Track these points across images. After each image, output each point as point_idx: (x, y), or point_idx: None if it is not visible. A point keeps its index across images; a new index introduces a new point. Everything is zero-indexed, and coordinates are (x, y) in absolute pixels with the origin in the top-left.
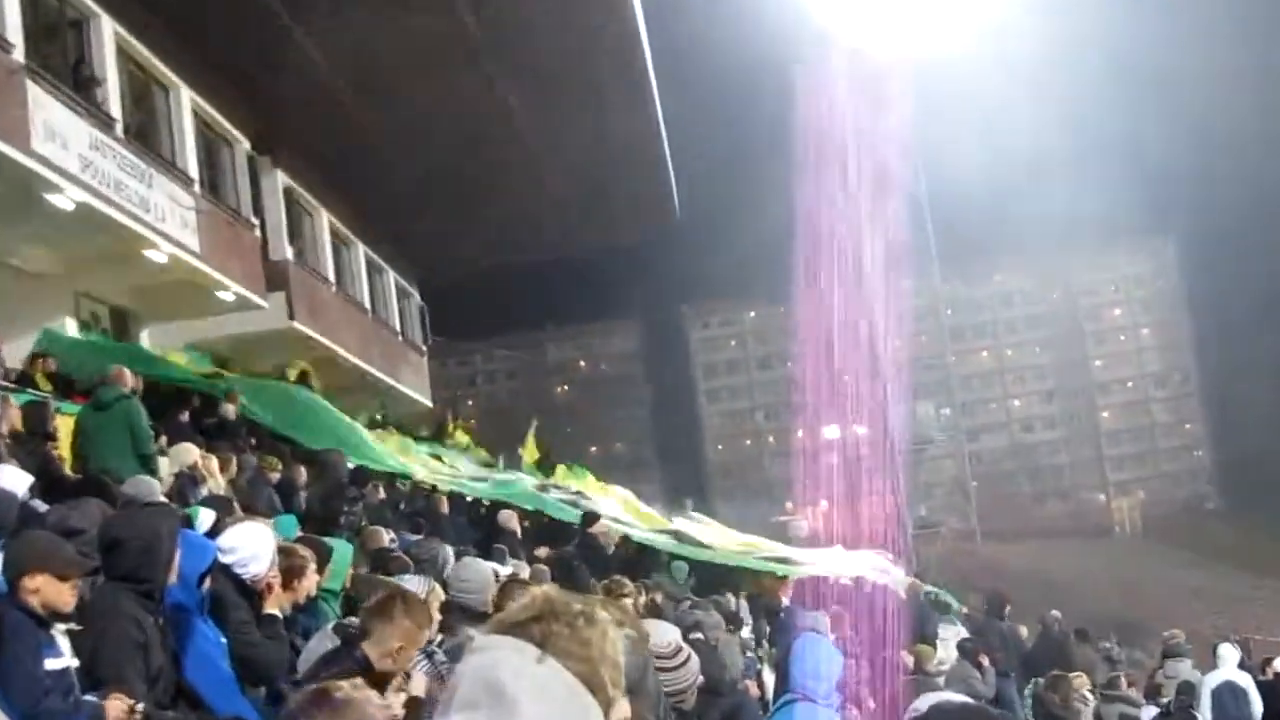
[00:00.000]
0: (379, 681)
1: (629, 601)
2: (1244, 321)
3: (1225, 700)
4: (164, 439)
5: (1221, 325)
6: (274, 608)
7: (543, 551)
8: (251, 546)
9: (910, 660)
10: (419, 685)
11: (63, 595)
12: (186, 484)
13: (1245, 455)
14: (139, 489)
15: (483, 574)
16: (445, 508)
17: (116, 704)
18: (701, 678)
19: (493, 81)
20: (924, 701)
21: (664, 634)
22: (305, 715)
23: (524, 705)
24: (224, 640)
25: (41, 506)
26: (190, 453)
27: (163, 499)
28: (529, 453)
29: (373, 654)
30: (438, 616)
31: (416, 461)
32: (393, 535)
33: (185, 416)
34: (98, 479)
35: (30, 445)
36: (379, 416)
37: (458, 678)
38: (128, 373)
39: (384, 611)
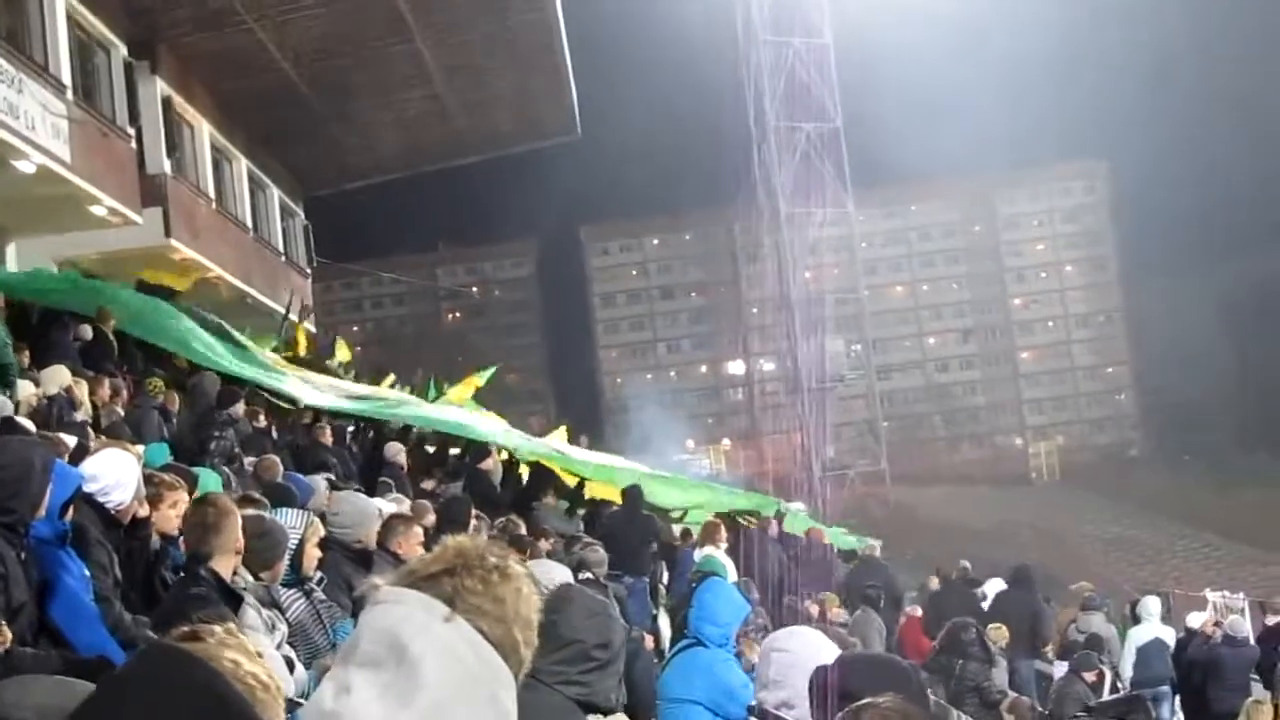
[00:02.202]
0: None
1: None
2: (1173, 261)
3: (1153, 657)
4: (26, 356)
5: (1149, 264)
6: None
7: (429, 485)
8: (114, 474)
9: (814, 609)
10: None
11: None
12: (63, 407)
13: (1171, 401)
14: None
15: (360, 509)
16: (328, 437)
17: None
18: None
19: None
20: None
21: (555, 576)
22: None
23: (427, 666)
24: (88, 574)
25: None
26: (62, 374)
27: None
28: (463, 389)
29: (220, 567)
30: (317, 553)
31: (296, 376)
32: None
33: (61, 336)
34: None
35: None
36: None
37: (359, 631)
38: None
39: (203, 526)
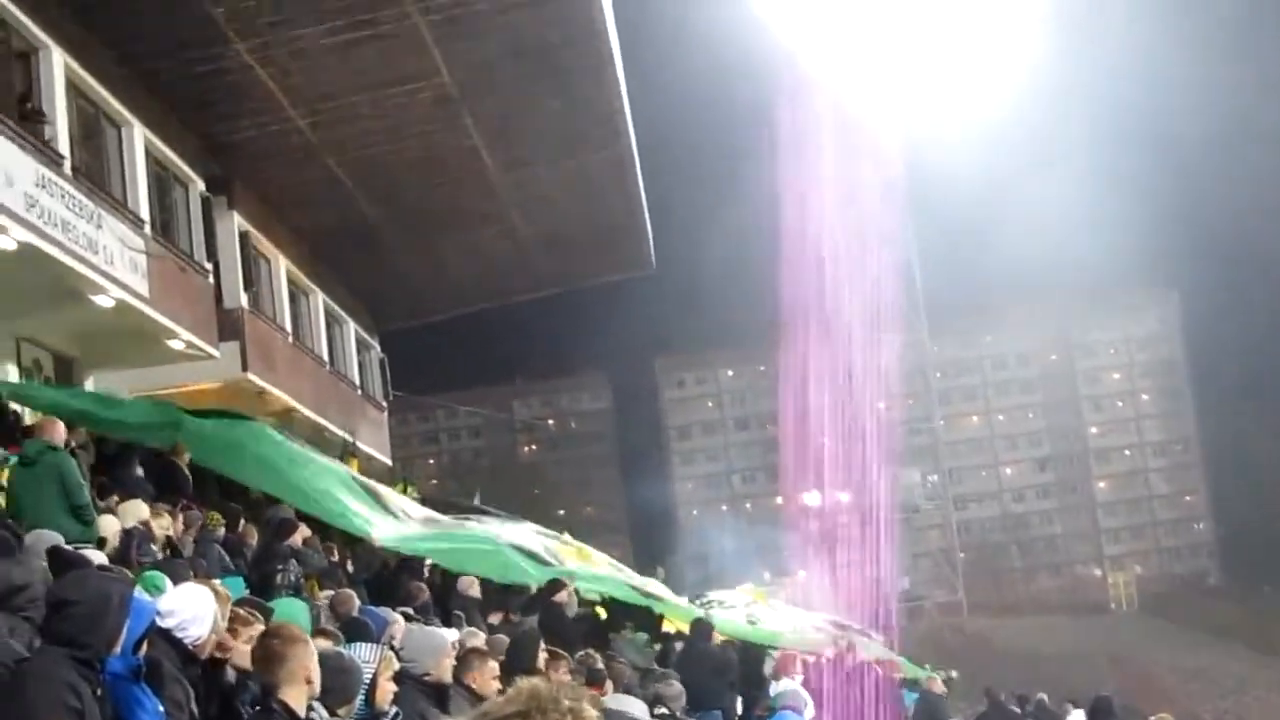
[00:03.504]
0: None
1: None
2: (1248, 388)
3: None
4: (113, 495)
5: (1225, 392)
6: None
7: (496, 619)
8: (191, 608)
9: None
10: None
11: None
12: (140, 541)
13: (1248, 529)
14: (39, 541)
15: (430, 642)
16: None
17: None
18: None
19: (460, 122)
20: None
21: (632, 709)
22: None
23: None
24: (163, 710)
25: None
26: (140, 509)
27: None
28: None
29: (291, 699)
30: (392, 687)
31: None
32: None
33: (138, 470)
34: (44, 534)
35: None
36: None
37: None
38: (58, 424)
39: (270, 657)
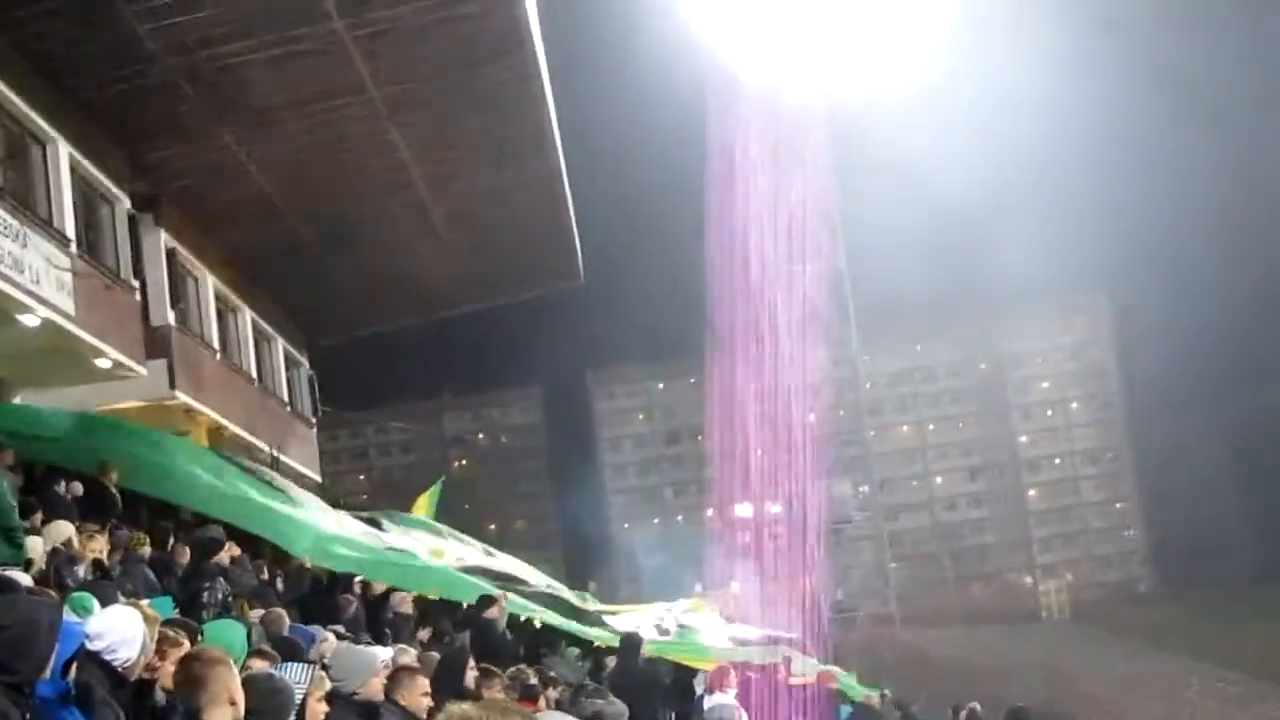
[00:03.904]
0: None
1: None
2: (1178, 396)
3: None
4: (39, 515)
5: (1155, 399)
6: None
7: (425, 634)
8: (120, 630)
9: None
10: None
11: None
12: (63, 563)
13: (1179, 536)
14: None
15: (361, 661)
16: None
17: None
18: None
19: (386, 134)
20: None
21: None
22: None
23: None
24: None
25: None
26: (65, 529)
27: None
28: (423, 506)
29: None
30: (323, 708)
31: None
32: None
33: (62, 488)
34: None
35: None
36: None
37: None
38: None
39: (192, 680)
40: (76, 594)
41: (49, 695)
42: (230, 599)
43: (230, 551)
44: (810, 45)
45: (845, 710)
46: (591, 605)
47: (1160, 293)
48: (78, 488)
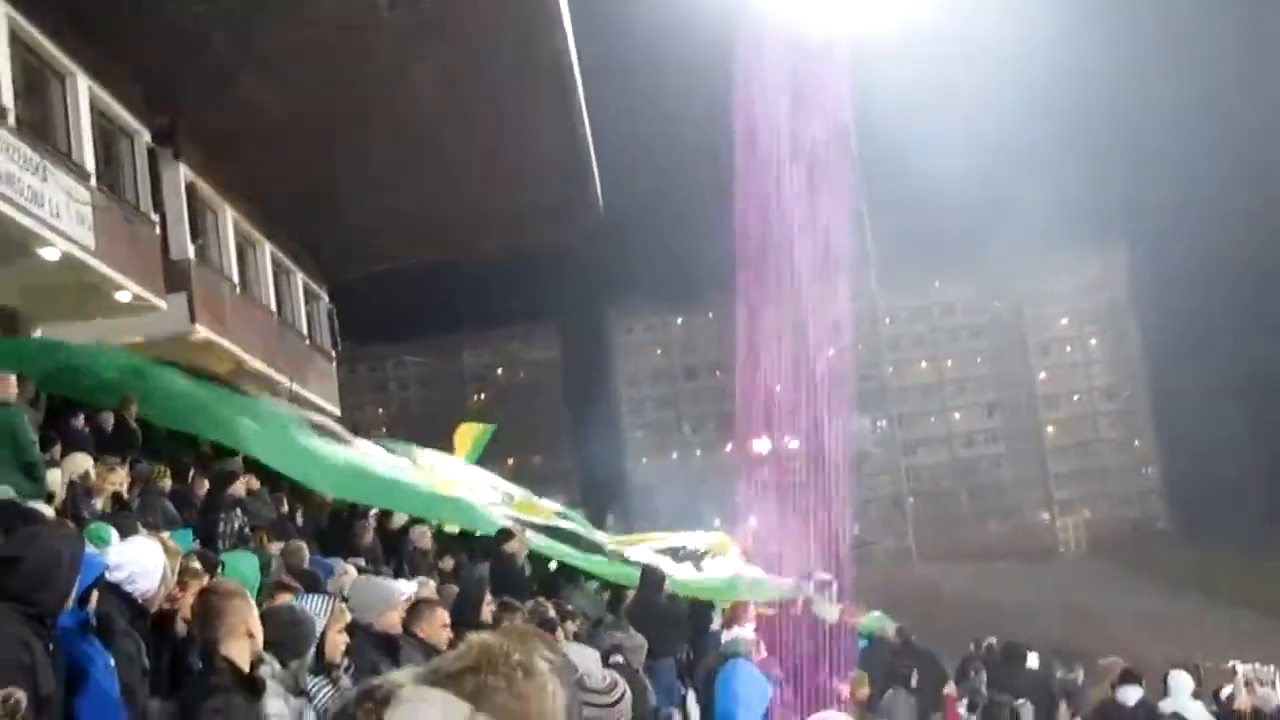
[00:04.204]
0: (256, 688)
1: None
2: (1197, 333)
3: None
4: (58, 448)
5: (1174, 337)
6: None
7: (448, 564)
8: (140, 562)
9: (845, 689)
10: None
11: None
12: (80, 496)
13: (1197, 473)
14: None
15: (380, 593)
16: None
17: None
18: None
19: (406, 70)
20: None
21: (584, 660)
22: None
23: None
24: (113, 664)
25: None
26: (82, 462)
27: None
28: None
29: (233, 654)
30: (343, 639)
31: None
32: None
33: (80, 422)
34: None
35: None
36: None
37: None
38: (9, 379)
39: (209, 612)
40: (94, 525)
41: (70, 625)
42: (247, 530)
43: (248, 484)
44: None
45: (861, 644)
46: (607, 538)
47: (1177, 234)
48: (107, 419)
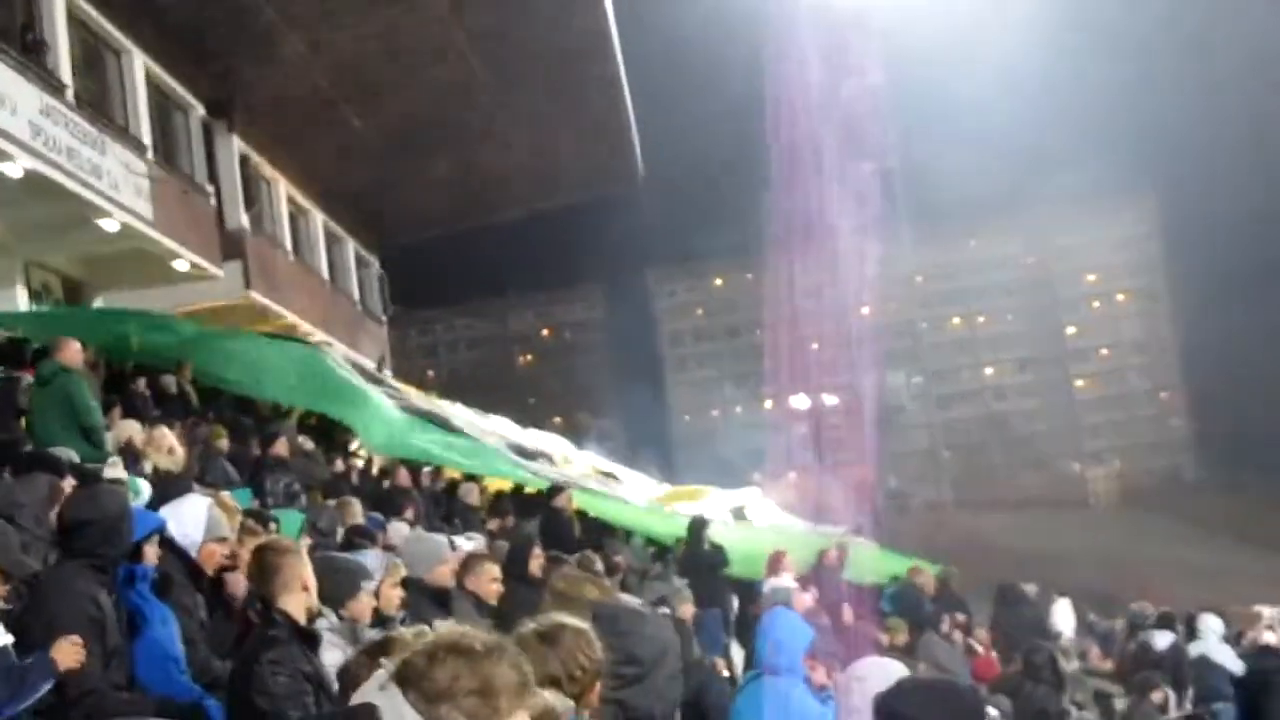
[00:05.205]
0: (312, 640)
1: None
2: (1223, 287)
3: (1212, 674)
4: (116, 411)
5: (1200, 291)
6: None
7: (494, 524)
8: (196, 519)
9: (883, 637)
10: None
11: None
12: (128, 460)
13: (1225, 425)
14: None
15: (430, 548)
16: (405, 479)
17: (65, 646)
18: None
19: (452, 42)
20: (875, 672)
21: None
22: None
23: None
24: (171, 618)
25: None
26: (129, 427)
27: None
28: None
29: (290, 607)
30: (398, 593)
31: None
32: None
33: (142, 385)
34: (46, 454)
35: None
36: None
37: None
38: (73, 345)
39: (265, 568)
40: (131, 479)
41: (129, 577)
42: (296, 489)
43: (300, 445)
44: None
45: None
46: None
47: (1204, 189)
48: (169, 383)
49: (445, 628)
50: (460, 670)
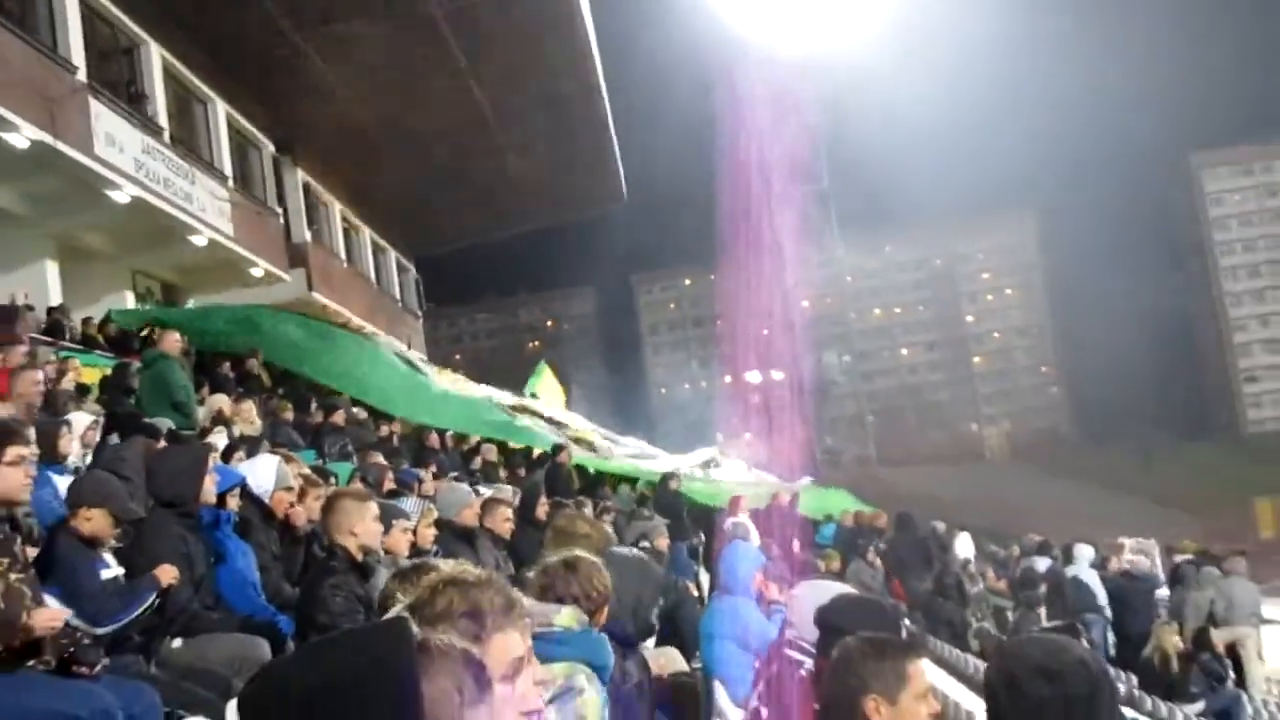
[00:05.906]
0: (364, 571)
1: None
2: (1091, 281)
3: (1084, 592)
4: (205, 389)
5: (1072, 285)
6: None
7: (507, 476)
8: (266, 473)
9: (821, 564)
10: None
11: (108, 530)
12: (220, 427)
13: (1092, 392)
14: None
15: (458, 496)
16: (435, 442)
17: (166, 568)
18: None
19: (470, 92)
20: (814, 592)
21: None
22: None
23: None
24: (250, 551)
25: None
26: (218, 401)
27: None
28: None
29: (348, 545)
30: (431, 533)
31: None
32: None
33: (227, 368)
34: (145, 422)
35: (114, 396)
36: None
37: None
38: (173, 336)
39: (325, 513)
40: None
41: (212, 520)
42: (349, 449)
43: (354, 415)
44: (799, 11)
45: (830, 528)
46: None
47: (1073, 202)
48: (252, 365)
49: (448, 565)
50: (454, 597)
